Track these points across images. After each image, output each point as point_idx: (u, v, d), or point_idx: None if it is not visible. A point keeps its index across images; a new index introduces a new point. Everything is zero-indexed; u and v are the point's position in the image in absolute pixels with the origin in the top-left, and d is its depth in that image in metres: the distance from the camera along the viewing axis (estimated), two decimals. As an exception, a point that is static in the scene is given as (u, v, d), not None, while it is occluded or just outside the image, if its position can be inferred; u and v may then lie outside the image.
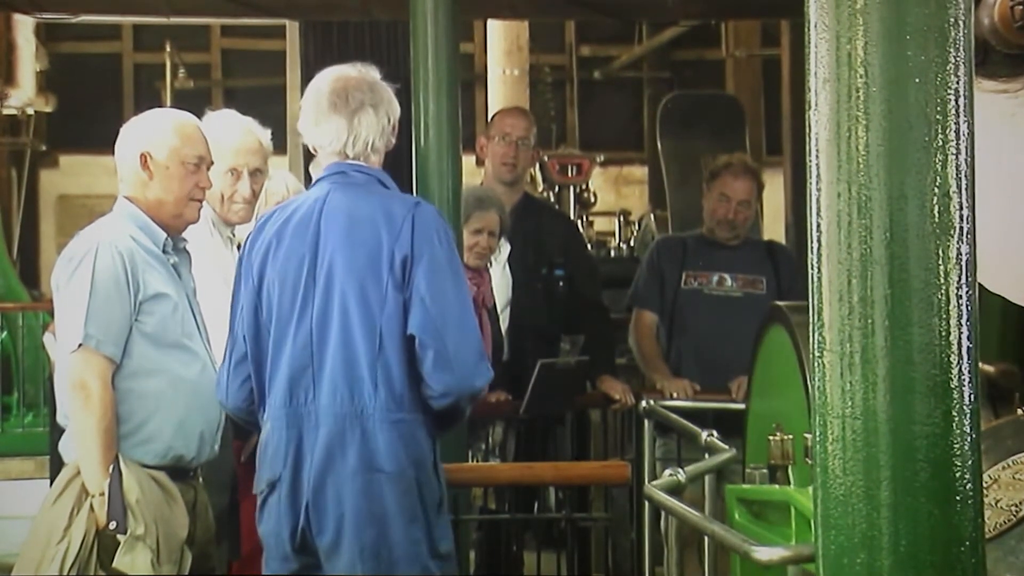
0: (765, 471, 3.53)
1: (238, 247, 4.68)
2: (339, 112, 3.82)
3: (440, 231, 3.75)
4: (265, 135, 4.64)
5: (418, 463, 3.70)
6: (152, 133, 4.03)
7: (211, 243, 4.52)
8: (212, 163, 4.13)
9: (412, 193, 5.32)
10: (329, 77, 3.90)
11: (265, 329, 3.79)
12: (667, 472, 3.89)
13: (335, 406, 3.68)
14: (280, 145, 9.74)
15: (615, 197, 15.59)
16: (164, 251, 4.01)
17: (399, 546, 3.67)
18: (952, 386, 1.90)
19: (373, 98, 3.85)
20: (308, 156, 9.76)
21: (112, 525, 3.77)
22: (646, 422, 5.59)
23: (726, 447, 4.37)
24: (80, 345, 3.82)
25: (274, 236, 3.84)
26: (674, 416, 5.28)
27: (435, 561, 3.72)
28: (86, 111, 15.01)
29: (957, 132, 1.92)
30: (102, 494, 3.78)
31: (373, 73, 3.95)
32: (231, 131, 4.53)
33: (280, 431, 3.74)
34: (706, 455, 4.47)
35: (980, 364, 1.96)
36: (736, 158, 6.14)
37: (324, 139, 3.86)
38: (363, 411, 3.67)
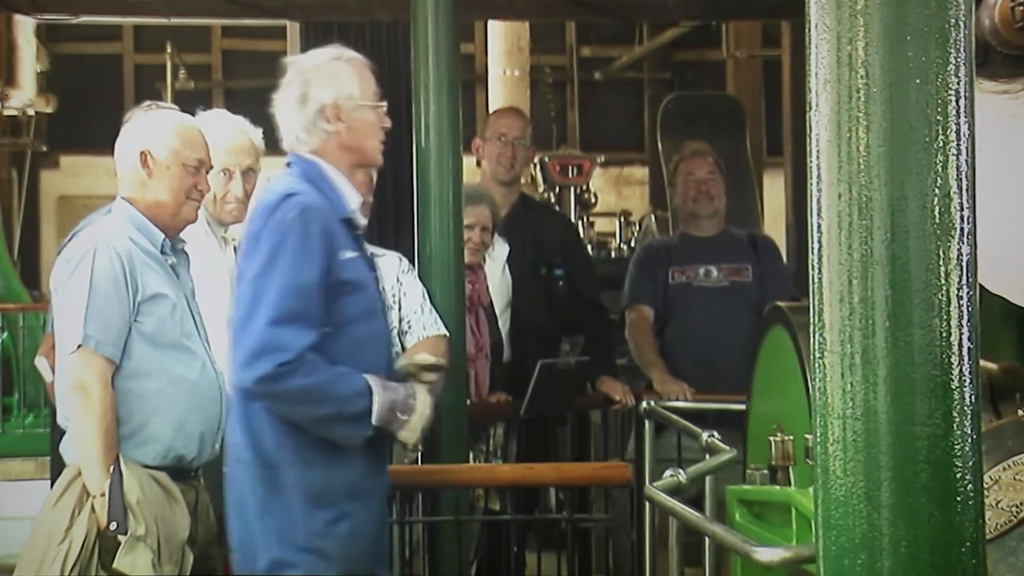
0: (766, 472, 3.53)
1: (234, 248, 4.70)
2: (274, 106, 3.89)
3: (284, 220, 3.63)
4: (256, 134, 4.66)
5: (270, 451, 3.63)
6: (153, 132, 4.04)
7: (207, 244, 4.53)
8: (211, 167, 4.14)
9: (412, 194, 5.33)
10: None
11: None
12: (667, 473, 3.89)
13: (228, 395, 3.79)
14: (280, 145, 9.72)
15: (616, 198, 15.59)
16: (162, 252, 4.01)
17: (253, 535, 3.64)
18: (953, 387, 1.90)
19: (287, 95, 3.85)
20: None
21: (113, 526, 3.77)
22: (646, 422, 5.60)
23: (727, 448, 4.37)
24: (79, 346, 3.82)
25: None
26: (675, 417, 5.29)
27: (297, 554, 3.62)
28: (87, 112, 15.01)
29: (958, 133, 1.92)
30: (103, 495, 3.78)
31: (304, 60, 3.92)
32: (223, 131, 4.54)
33: None
34: (706, 455, 4.47)
35: (982, 362, 1.96)
36: (687, 147, 6.49)
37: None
38: (228, 401, 3.76)
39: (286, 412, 3.61)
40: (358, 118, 3.81)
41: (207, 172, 4.10)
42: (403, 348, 5.15)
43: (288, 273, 3.56)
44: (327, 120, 3.78)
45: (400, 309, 5.16)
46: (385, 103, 3.90)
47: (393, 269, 5.18)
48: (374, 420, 3.65)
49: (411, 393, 3.79)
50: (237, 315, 3.62)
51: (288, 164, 3.85)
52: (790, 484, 3.47)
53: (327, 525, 3.63)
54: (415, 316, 5.14)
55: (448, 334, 5.18)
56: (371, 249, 5.21)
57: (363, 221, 3.89)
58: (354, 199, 3.81)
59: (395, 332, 5.16)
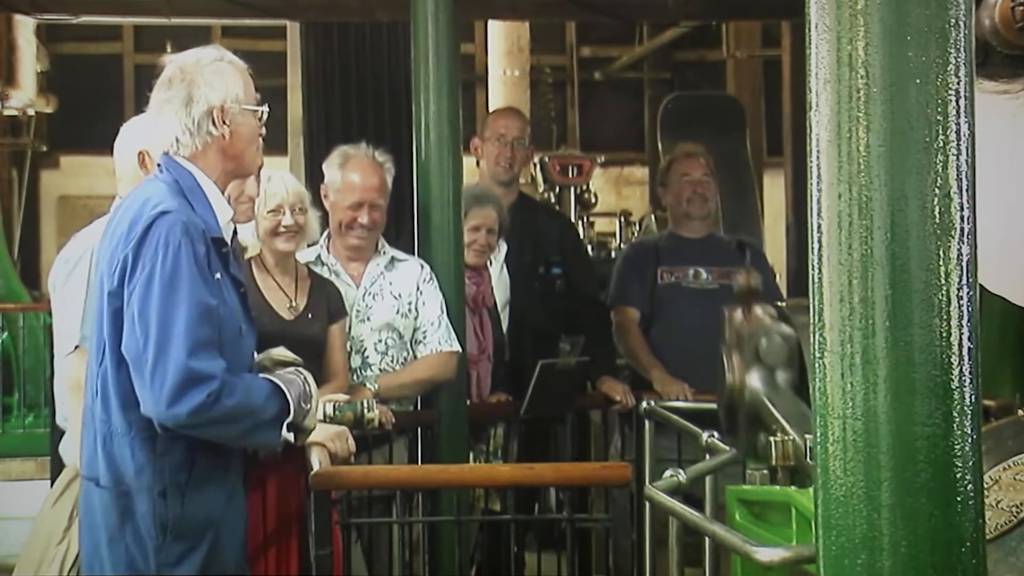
0: (766, 472, 3.53)
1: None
2: (151, 107, 3.64)
3: (170, 242, 3.41)
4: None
5: (127, 479, 3.47)
6: (151, 133, 4.03)
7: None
8: None
9: (413, 194, 5.33)
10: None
11: None
12: (667, 473, 3.88)
13: (85, 414, 3.58)
14: (280, 145, 9.72)
15: (616, 198, 15.59)
16: (161, 252, 4.00)
17: (103, 563, 3.51)
18: (953, 387, 1.90)
19: (169, 94, 3.58)
20: (308, 156, 9.77)
21: (112, 526, 3.77)
22: (647, 423, 5.60)
23: (727, 448, 4.36)
24: (77, 347, 3.82)
25: None
26: (674, 417, 5.29)
27: None
28: (87, 112, 15.01)
29: (958, 133, 1.92)
30: (102, 495, 3.78)
31: (184, 57, 3.63)
32: None
33: None
34: (706, 455, 4.47)
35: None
36: (680, 148, 6.49)
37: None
38: (91, 421, 3.54)
39: (211, 435, 3.47)
40: (242, 123, 3.60)
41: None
42: (415, 357, 5.15)
43: (191, 299, 3.39)
44: (213, 123, 3.56)
45: (417, 318, 5.15)
46: (265, 108, 3.69)
47: (414, 276, 5.17)
48: (291, 417, 3.56)
49: (303, 379, 3.68)
50: (139, 348, 3.38)
51: (159, 168, 3.60)
52: (790, 484, 3.46)
53: (178, 558, 3.48)
54: (431, 328, 5.13)
55: (461, 350, 5.18)
56: (392, 253, 5.22)
57: (229, 238, 3.65)
58: (225, 213, 3.61)
59: (408, 340, 5.16)
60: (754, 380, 3.61)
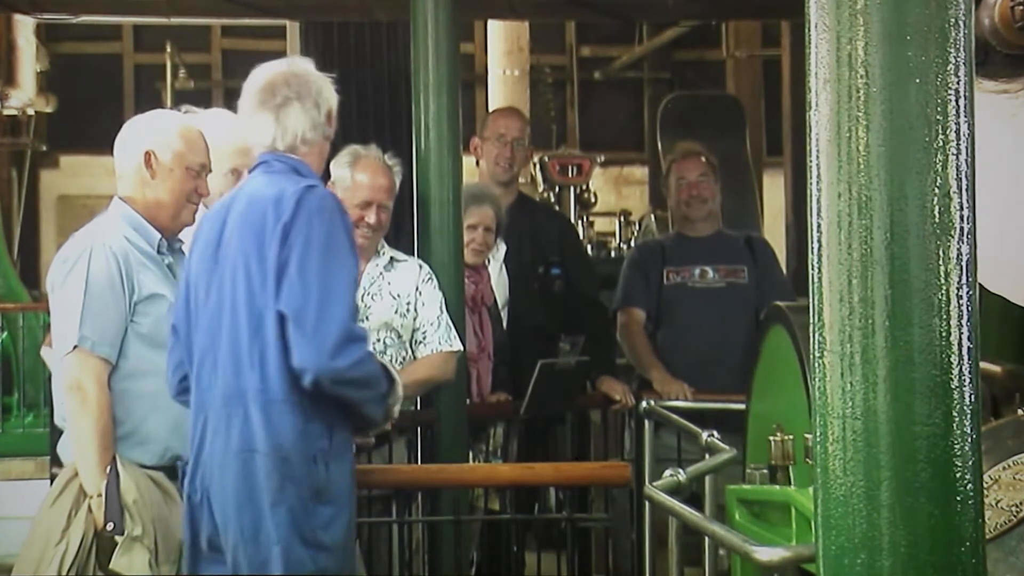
0: (765, 471, 3.53)
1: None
2: (266, 108, 3.90)
3: (323, 211, 3.74)
4: None
5: (285, 445, 3.68)
6: (158, 134, 4.04)
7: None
8: (211, 171, 4.15)
9: (413, 194, 5.33)
10: (258, 74, 3.96)
11: (191, 317, 3.86)
12: (667, 472, 3.89)
13: (224, 387, 3.74)
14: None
15: (616, 198, 15.57)
16: (159, 251, 4.01)
17: (267, 526, 3.67)
18: (952, 387, 1.90)
19: (299, 91, 3.90)
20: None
21: (109, 526, 3.77)
22: (646, 422, 5.60)
23: (727, 447, 4.37)
24: (75, 347, 3.82)
25: (200, 226, 3.97)
26: (674, 416, 5.29)
27: (308, 549, 3.69)
28: (86, 112, 15.00)
29: (958, 132, 1.91)
30: (99, 495, 3.78)
31: (303, 65, 4.00)
32: (230, 131, 4.53)
33: (192, 415, 3.82)
34: (706, 455, 4.47)
35: (985, 365, 1.96)
36: (679, 147, 6.45)
37: (255, 134, 3.94)
38: (243, 391, 3.70)
39: (350, 395, 3.74)
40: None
41: (206, 175, 4.11)
42: (415, 358, 5.15)
43: (348, 264, 3.73)
44: (327, 125, 3.93)
45: (416, 318, 5.14)
46: None
47: (412, 276, 5.16)
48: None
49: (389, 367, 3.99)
50: (300, 303, 3.63)
51: (264, 163, 3.91)
52: (790, 484, 3.46)
53: (329, 521, 3.72)
54: (431, 328, 5.13)
55: (462, 349, 5.18)
56: (392, 254, 5.23)
57: None
58: None
59: (407, 341, 5.15)
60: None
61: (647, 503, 4.90)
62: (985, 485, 2.62)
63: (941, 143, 1.91)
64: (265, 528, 3.67)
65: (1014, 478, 2.90)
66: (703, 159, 6.20)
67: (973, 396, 1.92)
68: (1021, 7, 2.99)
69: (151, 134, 4.04)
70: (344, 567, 3.79)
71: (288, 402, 3.68)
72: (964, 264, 1.91)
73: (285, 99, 3.89)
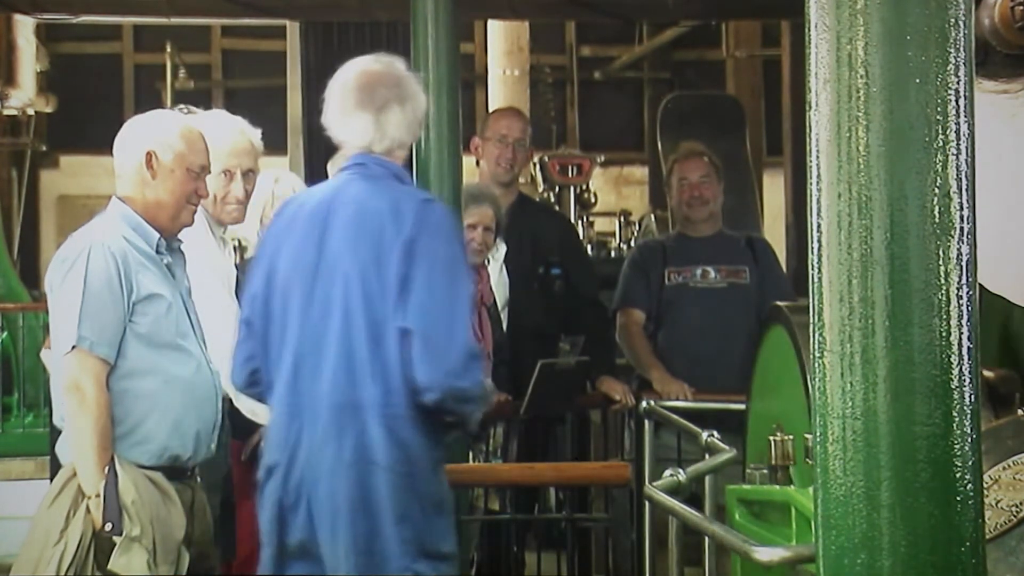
0: (765, 471, 3.53)
1: (233, 248, 4.70)
2: (365, 108, 3.84)
3: (445, 228, 3.76)
4: (256, 135, 4.67)
5: (411, 459, 3.69)
6: (160, 134, 4.03)
7: (207, 243, 4.52)
8: (210, 172, 4.15)
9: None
10: (355, 71, 3.90)
11: (276, 314, 3.82)
12: (667, 472, 3.89)
13: (334, 396, 3.70)
14: (280, 145, 9.72)
15: (616, 197, 15.58)
16: (158, 251, 4.00)
17: (387, 541, 3.66)
18: (952, 387, 1.90)
19: (400, 94, 3.86)
20: (308, 156, 9.76)
21: (108, 527, 3.76)
22: (646, 422, 5.60)
23: (726, 447, 4.36)
24: (74, 347, 3.82)
25: (288, 222, 3.90)
26: (674, 416, 5.29)
27: (427, 561, 3.70)
28: (86, 112, 15.01)
29: (958, 133, 1.92)
30: (98, 495, 3.78)
31: (399, 66, 3.95)
32: (224, 132, 4.54)
33: (283, 418, 3.79)
34: (706, 455, 4.47)
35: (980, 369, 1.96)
36: (682, 147, 6.44)
37: (351, 135, 3.89)
38: (360, 403, 3.68)
39: (462, 410, 3.77)
40: None
41: (206, 176, 4.11)
42: None
43: (467, 283, 3.80)
44: (420, 128, 3.99)
45: None
46: None
47: None
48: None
49: None
50: (429, 322, 3.64)
51: (360, 164, 3.88)
52: (790, 484, 3.46)
53: (444, 532, 3.78)
54: None
55: None
56: None
57: None
58: None
59: None
60: None
61: (647, 503, 4.90)
62: (985, 485, 2.62)
63: (941, 143, 1.91)
64: (382, 542, 3.66)
65: (1014, 478, 2.90)
66: (706, 159, 6.18)
67: (973, 396, 1.92)
68: (1021, 7, 3.00)
69: (152, 134, 4.03)
70: (455, 572, 3.85)
71: (410, 416, 3.69)
72: (964, 264, 1.92)
73: (385, 101, 3.84)
